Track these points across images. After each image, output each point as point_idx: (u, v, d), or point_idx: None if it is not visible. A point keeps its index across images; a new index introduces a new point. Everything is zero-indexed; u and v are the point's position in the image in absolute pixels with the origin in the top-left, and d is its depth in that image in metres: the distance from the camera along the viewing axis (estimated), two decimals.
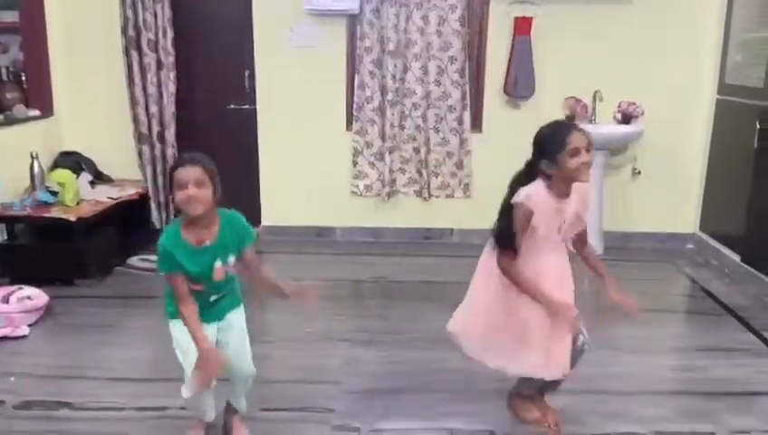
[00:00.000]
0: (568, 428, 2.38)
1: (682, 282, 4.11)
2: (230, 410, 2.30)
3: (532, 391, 2.37)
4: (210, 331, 2.06)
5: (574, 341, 2.17)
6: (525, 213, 2.06)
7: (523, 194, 2.07)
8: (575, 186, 2.10)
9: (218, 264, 1.99)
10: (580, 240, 2.24)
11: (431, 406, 2.55)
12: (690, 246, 4.64)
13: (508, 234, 2.09)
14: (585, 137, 2.05)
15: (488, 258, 2.21)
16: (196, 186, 1.89)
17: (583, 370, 2.31)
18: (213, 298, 2.07)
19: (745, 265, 3.88)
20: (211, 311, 2.07)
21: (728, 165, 4.23)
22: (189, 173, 1.89)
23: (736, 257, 4.00)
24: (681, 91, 4.46)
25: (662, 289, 3.96)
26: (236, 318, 2.15)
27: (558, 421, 2.35)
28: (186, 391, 2.08)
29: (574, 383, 2.38)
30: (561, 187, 2.09)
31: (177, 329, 2.05)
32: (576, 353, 2.20)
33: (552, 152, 2.05)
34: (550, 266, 2.15)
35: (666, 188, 4.62)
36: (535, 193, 2.07)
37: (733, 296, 3.75)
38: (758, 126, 3.73)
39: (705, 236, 4.53)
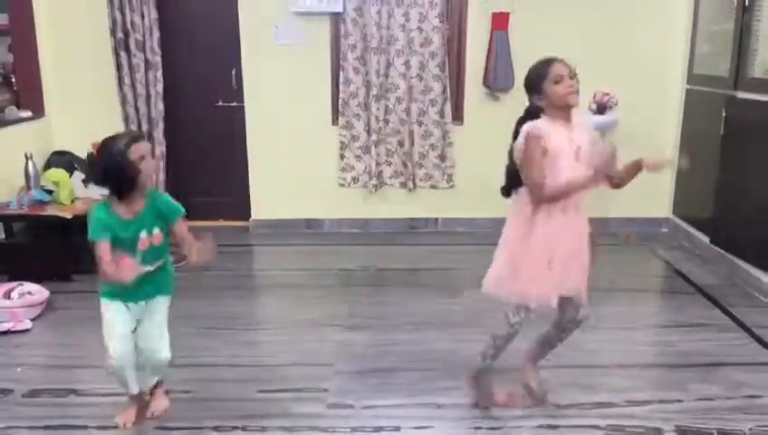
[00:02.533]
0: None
1: (656, 263, 4.31)
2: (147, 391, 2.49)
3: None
4: (133, 311, 2.30)
5: (576, 310, 2.35)
6: (535, 138, 2.16)
7: (525, 127, 2.20)
8: (579, 121, 2.24)
9: (143, 234, 2.21)
10: (610, 170, 2.23)
11: (419, 383, 2.71)
12: (664, 229, 4.85)
13: (522, 172, 2.22)
14: (566, 66, 2.19)
15: (516, 221, 2.31)
16: (152, 156, 2.22)
17: (561, 344, 2.49)
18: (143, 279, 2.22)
19: (714, 247, 4.09)
20: (136, 290, 2.24)
21: (698, 152, 4.41)
22: (147, 146, 2.21)
23: (706, 239, 4.21)
24: (653, 80, 4.65)
25: (637, 270, 4.16)
26: (160, 303, 2.34)
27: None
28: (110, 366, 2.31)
29: (550, 357, 2.55)
30: (558, 115, 2.20)
31: (110, 310, 2.30)
32: (573, 325, 2.39)
33: (538, 84, 2.20)
34: (567, 225, 2.27)
35: (641, 175, 4.79)
36: (538, 123, 2.20)
37: (703, 276, 3.96)
38: (724, 114, 3.92)
39: (678, 220, 4.74)
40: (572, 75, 2.18)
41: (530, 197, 2.24)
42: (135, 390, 2.42)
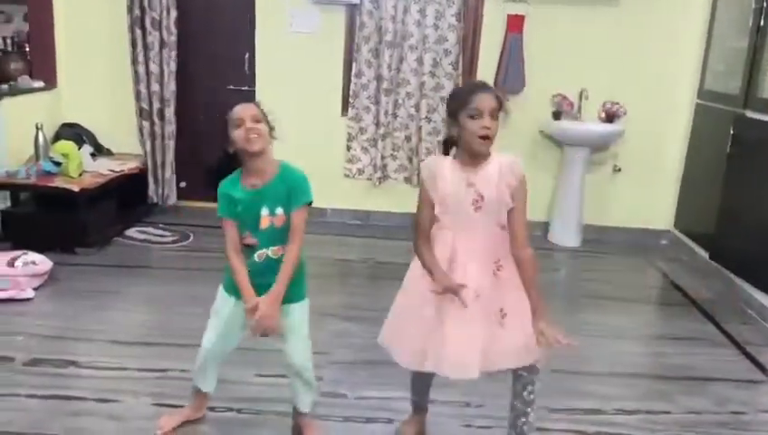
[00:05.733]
0: (537, 402, 2.59)
1: (653, 275, 4.35)
2: (296, 411, 2.31)
3: None
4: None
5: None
6: (423, 181, 1.95)
7: (424, 162, 1.97)
8: (501, 162, 1.90)
9: (265, 211, 1.97)
10: (512, 236, 1.92)
11: None
12: (664, 242, 4.88)
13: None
14: (493, 100, 1.84)
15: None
16: (252, 121, 1.95)
17: (553, 352, 2.50)
18: (262, 264, 2.03)
19: (713, 262, 4.12)
20: (261, 281, 2.03)
21: (703, 168, 4.46)
22: (246, 110, 1.96)
23: (705, 254, 4.24)
24: (663, 93, 4.67)
25: (634, 281, 4.20)
26: (295, 309, 2.12)
27: None
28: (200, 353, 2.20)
29: (547, 364, 2.58)
30: (465, 156, 1.91)
31: (218, 294, 2.15)
32: (524, 379, 2.04)
33: (453, 110, 1.89)
34: (464, 251, 1.92)
35: (644, 185, 4.85)
36: (436, 160, 1.95)
37: (699, 290, 4.00)
38: (732, 132, 3.94)
39: (678, 234, 4.78)
40: (494, 114, 1.84)
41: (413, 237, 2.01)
42: (204, 387, 2.27)
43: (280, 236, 2.02)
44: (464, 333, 1.91)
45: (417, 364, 2.02)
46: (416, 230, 2.00)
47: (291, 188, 1.99)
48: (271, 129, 2.03)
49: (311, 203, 2.03)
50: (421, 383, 2.26)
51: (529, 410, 2.08)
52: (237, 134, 1.96)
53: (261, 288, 2.01)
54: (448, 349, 1.92)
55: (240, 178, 2.03)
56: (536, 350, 1.97)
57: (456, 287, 1.88)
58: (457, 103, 1.88)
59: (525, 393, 2.06)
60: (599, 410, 2.59)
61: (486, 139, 1.85)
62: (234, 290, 2.07)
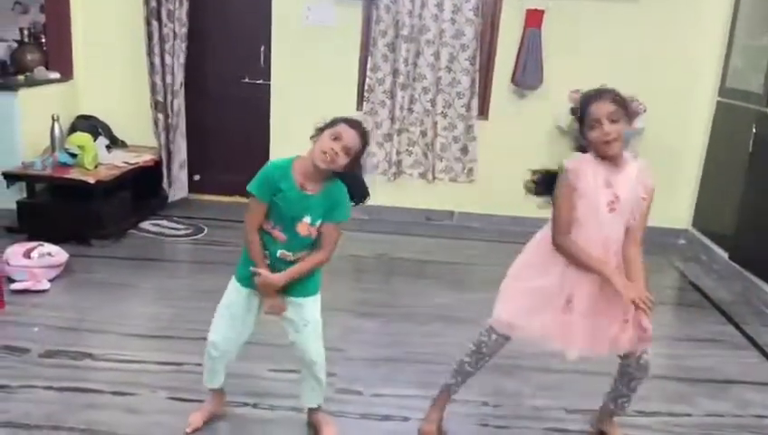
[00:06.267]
0: (555, 403, 2.57)
1: (672, 275, 4.29)
2: (310, 409, 2.30)
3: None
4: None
5: (638, 354, 2.14)
6: (567, 175, 1.97)
7: (569, 160, 2.00)
8: (638, 166, 1.99)
9: (308, 219, 1.98)
10: (631, 234, 2.03)
11: (428, 376, 2.71)
12: (682, 241, 4.82)
13: (554, 204, 2.01)
14: (607, 105, 1.91)
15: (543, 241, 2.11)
16: (345, 145, 1.93)
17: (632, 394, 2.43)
18: (281, 262, 2.04)
19: (732, 263, 4.06)
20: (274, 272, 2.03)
21: (723, 166, 4.39)
22: (343, 132, 1.94)
23: (725, 255, 4.18)
24: (683, 91, 4.60)
25: (652, 281, 4.02)
26: (308, 302, 2.13)
27: None
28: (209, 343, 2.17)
29: (564, 363, 2.54)
30: (599, 160, 1.97)
31: (231, 287, 2.13)
32: (637, 372, 2.17)
33: (580, 123, 1.98)
34: (594, 245, 1.99)
35: (662, 184, 4.65)
36: (581, 161, 1.99)
37: (718, 291, 3.94)
38: (754, 130, 3.88)
39: (696, 233, 4.71)
40: (613, 117, 1.90)
41: (552, 232, 2.05)
42: (216, 385, 2.26)
43: (310, 244, 2.05)
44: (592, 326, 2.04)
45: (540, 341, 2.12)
46: (557, 224, 2.01)
47: (336, 203, 2.01)
48: (353, 163, 2.01)
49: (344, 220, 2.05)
50: (476, 366, 2.26)
51: (632, 395, 2.24)
52: (326, 145, 1.94)
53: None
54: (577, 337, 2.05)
55: (292, 170, 1.99)
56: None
57: (642, 298, 1.96)
58: (581, 117, 1.97)
59: (632, 384, 2.21)
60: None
61: (610, 142, 1.91)
62: (248, 281, 2.07)
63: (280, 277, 2.02)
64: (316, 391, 2.25)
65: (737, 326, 3.45)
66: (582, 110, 1.96)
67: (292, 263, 2.05)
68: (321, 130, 2.00)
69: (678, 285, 4.15)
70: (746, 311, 3.65)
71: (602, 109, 1.91)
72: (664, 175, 4.80)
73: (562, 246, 2.01)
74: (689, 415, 2.58)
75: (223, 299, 2.16)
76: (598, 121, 1.90)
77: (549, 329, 2.07)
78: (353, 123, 2.00)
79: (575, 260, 2.01)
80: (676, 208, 4.80)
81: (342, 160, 1.95)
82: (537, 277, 2.09)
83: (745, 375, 2.93)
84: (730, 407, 2.66)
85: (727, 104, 4.39)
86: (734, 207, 4.06)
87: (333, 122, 1.99)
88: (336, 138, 1.94)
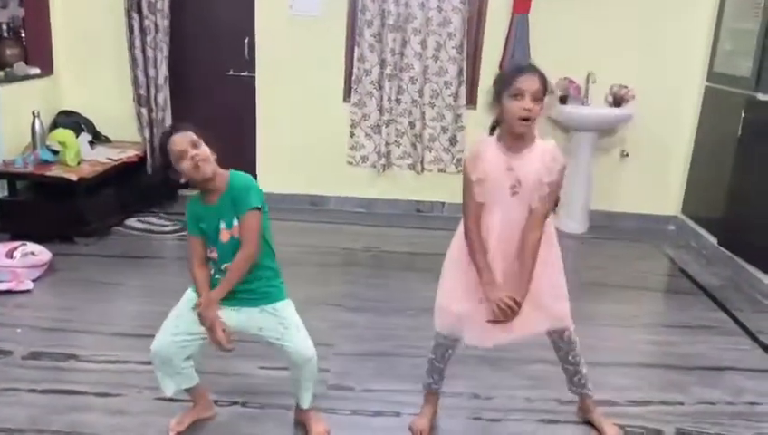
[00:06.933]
0: (545, 394, 2.55)
1: (661, 261, 4.28)
2: (298, 406, 2.26)
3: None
4: (229, 314, 2.05)
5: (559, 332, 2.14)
6: (469, 159, 1.96)
7: (472, 143, 2.02)
8: (541, 148, 1.94)
9: (222, 225, 1.99)
10: (531, 215, 1.96)
11: (419, 369, 2.65)
12: (672, 227, 4.81)
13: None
14: (536, 82, 1.83)
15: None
16: (193, 148, 1.94)
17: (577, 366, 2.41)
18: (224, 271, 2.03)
19: (722, 248, 4.06)
20: (231, 293, 2.03)
21: (712, 152, 4.38)
22: (184, 140, 1.94)
23: (714, 240, 4.18)
24: (671, 77, 4.57)
25: (642, 268, 4.13)
26: (279, 307, 2.10)
27: None
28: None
29: (550, 352, 2.52)
30: (507, 138, 1.93)
31: (186, 297, 2.13)
32: (561, 343, 2.18)
33: (497, 91, 1.89)
34: (494, 228, 1.97)
35: (652, 171, 4.77)
36: (481, 144, 1.96)
37: (708, 277, 3.93)
38: (743, 115, 3.86)
39: (686, 219, 4.71)
40: (538, 96, 1.83)
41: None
42: (167, 392, 2.17)
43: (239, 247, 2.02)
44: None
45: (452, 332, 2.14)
46: (464, 212, 2.01)
47: (235, 199, 1.98)
48: (211, 147, 2.02)
49: (259, 208, 1.99)
50: (443, 360, 2.26)
51: (580, 368, 2.25)
52: (185, 166, 1.95)
53: (237, 293, 2.03)
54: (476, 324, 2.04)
55: (201, 196, 2.04)
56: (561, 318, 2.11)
57: (498, 301, 1.92)
58: (501, 84, 1.89)
59: (570, 358, 2.22)
60: (611, 402, 2.53)
61: (526, 120, 1.85)
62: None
63: (216, 291, 2.00)
64: (311, 390, 2.21)
65: (728, 312, 3.44)
66: (506, 78, 1.88)
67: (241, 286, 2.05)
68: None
69: (668, 272, 4.14)
70: (737, 297, 3.65)
71: (530, 83, 1.83)
72: (653, 162, 4.83)
73: (465, 232, 2.01)
74: (682, 403, 2.57)
75: (176, 308, 2.13)
76: (521, 93, 1.83)
77: (469, 317, 2.06)
78: (175, 129, 2.01)
79: (468, 249, 2.00)
80: (666, 195, 4.80)
81: (205, 154, 1.96)
82: (460, 266, 2.08)
83: (738, 362, 2.92)
84: (723, 394, 2.65)
85: (716, 89, 4.37)
86: (722, 192, 4.05)
87: (164, 148, 1.98)
88: (182, 157, 1.94)
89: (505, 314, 1.93)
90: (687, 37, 4.51)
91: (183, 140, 1.95)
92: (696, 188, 4.62)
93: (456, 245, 2.11)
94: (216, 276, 2.06)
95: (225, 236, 2.01)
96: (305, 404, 2.23)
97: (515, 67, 1.97)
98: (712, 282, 3.86)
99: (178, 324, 2.08)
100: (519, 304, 1.94)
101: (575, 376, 2.28)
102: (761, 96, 3.76)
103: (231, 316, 2.06)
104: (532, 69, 1.88)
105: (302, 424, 2.28)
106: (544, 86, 1.86)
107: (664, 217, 4.83)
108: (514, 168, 1.92)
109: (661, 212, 4.83)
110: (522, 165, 1.93)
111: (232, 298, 2.04)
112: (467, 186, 1.97)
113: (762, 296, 3.61)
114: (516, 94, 1.84)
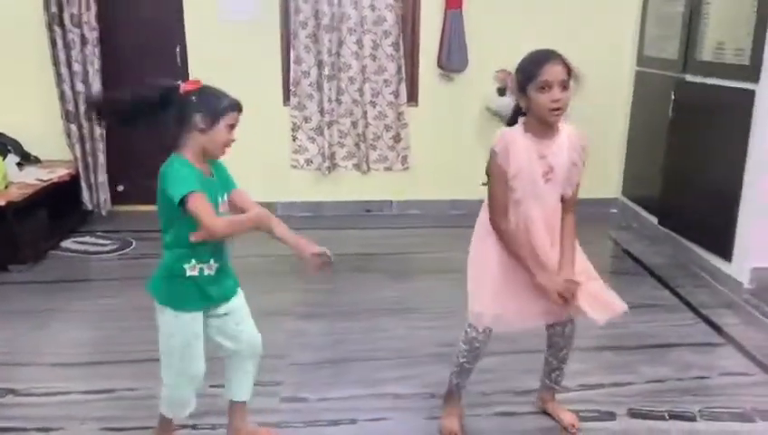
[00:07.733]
0: (496, 386, 2.56)
1: (605, 244, 4.38)
2: (234, 407, 2.18)
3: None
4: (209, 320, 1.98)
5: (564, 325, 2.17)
6: (497, 153, 1.90)
7: (496, 136, 1.91)
8: (568, 132, 1.94)
9: (220, 199, 1.94)
10: (567, 199, 2.01)
11: (374, 373, 2.67)
12: (614, 210, 4.93)
13: (488, 185, 1.95)
14: (561, 71, 1.81)
15: (484, 218, 2.06)
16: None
17: (508, 332, 2.43)
18: (217, 261, 1.97)
19: (662, 228, 4.18)
20: (219, 285, 1.98)
21: (647, 134, 4.50)
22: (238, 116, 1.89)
23: (654, 220, 4.29)
24: (604, 62, 4.66)
25: (586, 251, 4.13)
26: (239, 299, 2.10)
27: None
28: (166, 392, 2.02)
29: (501, 344, 2.52)
30: (536, 126, 1.89)
31: (183, 319, 1.94)
32: (562, 340, 2.21)
33: (523, 84, 1.85)
34: (536, 219, 1.96)
35: (592, 155, 4.76)
36: (508, 134, 1.91)
37: (651, 257, 4.04)
38: (673, 97, 3.98)
39: (627, 201, 4.83)
40: (565, 84, 1.81)
41: (489, 214, 2.00)
42: (192, 407, 2.10)
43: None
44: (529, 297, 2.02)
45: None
46: (493, 207, 1.97)
47: (225, 175, 2.00)
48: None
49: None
50: (475, 361, 2.20)
51: (564, 365, 2.28)
52: (229, 137, 1.91)
53: (218, 297, 1.99)
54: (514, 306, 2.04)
55: (189, 163, 1.84)
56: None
57: (564, 291, 1.96)
58: (525, 76, 1.85)
59: (562, 354, 2.25)
60: (564, 388, 2.53)
61: (558, 110, 1.83)
62: (200, 302, 1.94)
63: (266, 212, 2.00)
64: (251, 380, 2.14)
65: (672, 290, 3.54)
66: (530, 71, 1.83)
67: (222, 269, 1.99)
68: (213, 122, 1.87)
69: (612, 254, 4.24)
70: (679, 274, 3.76)
71: (555, 73, 1.81)
72: (592, 147, 4.84)
73: (499, 229, 1.98)
74: (632, 383, 2.63)
75: (176, 339, 1.94)
76: (548, 85, 1.81)
77: (526, 309, 2.04)
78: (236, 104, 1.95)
79: (507, 247, 1.99)
80: (607, 178, 4.91)
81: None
82: (490, 262, 2.03)
83: (683, 338, 3.01)
84: (671, 371, 2.72)
85: (646, 73, 4.49)
86: (659, 173, 4.17)
87: (224, 112, 1.89)
88: (231, 129, 1.89)
89: (567, 299, 1.97)
90: (617, 23, 4.62)
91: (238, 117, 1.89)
92: (634, 171, 4.74)
93: (479, 248, 2.07)
94: (213, 285, 1.95)
95: (223, 208, 1.96)
96: (241, 396, 2.14)
97: (536, 58, 1.86)
98: (655, 261, 3.97)
99: (199, 340, 1.97)
100: (577, 285, 1.97)
101: (555, 371, 2.30)
102: (689, 77, 3.88)
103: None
104: (554, 56, 1.84)
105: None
106: (569, 71, 1.84)
107: (605, 200, 4.94)
108: (547, 155, 1.92)
109: (602, 196, 4.93)
110: (553, 152, 1.92)
111: (220, 288, 2.00)
112: (499, 182, 1.92)
113: (703, 271, 3.73)
114: (543, 87, 1.81)
